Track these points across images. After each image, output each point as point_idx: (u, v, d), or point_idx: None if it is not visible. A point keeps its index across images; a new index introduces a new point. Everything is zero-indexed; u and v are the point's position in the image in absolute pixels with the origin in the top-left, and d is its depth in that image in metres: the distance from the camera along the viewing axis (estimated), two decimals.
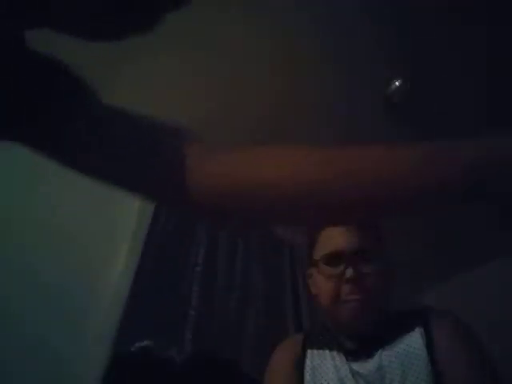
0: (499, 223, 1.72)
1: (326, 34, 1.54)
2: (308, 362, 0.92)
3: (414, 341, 0.84)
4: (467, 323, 0.86)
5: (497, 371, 0.77)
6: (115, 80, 1.57)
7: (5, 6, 0.32)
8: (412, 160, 0.39)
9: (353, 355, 0.88)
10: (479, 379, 0.76)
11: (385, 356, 0.84)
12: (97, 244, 1.49)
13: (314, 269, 0.96)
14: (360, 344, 0.88)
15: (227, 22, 1.49)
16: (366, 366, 0.85)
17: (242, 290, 1.75)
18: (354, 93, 1.72)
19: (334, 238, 0.92)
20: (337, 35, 1.54)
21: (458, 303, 1.54)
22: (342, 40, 1.56)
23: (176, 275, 1.61)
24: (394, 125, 1.78)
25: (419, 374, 0.79)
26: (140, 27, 0.37)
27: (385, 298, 0.91)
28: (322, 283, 0.92)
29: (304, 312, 1.84)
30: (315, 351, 0.93)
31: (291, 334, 1.68)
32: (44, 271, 1.31)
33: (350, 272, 0.87)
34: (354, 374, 0.85)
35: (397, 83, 1.67)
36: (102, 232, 1.53)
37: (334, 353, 0.91)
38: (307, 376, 0.89)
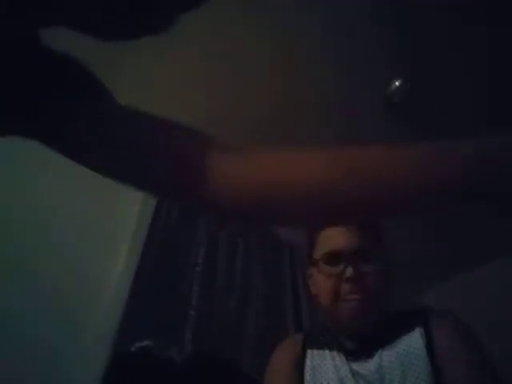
0: (499, 222, 1.72)
1: (325, 34, 1.54)
2: (308, 361, 0.92)
3: (413, 341, 0.84)
4: (467, 323, 0.86)
5: (497, 371, 0.77)
6: (115, 80, 1.57)
7: (16, 4, 0.32)
8: (412, 160, 0.39)
9: (353, 355, 0.88)
10: (479, 379, 0.76)
11: (385, 356, 0.84)
12: (97, 244, 1.49)
13: (314, 268, 0.96)
14: (360, 344, 0.88)
15: (227, 22, 1.49)
16: (366, 366, 0.84)
17: (242, 290, 1.75)
18: (354, 93, 1.72)
19: (334, 238, 0.92)
20: (337, 35, 1.54)
21: (458, 303, 1.54)
22: (342, 40, 1.56)
23: (176, 275, 1.61)
24: (393, 125, 1.78)
25: (419, 374, 0.79)
26: (154, 27, 0.37)
27: (385, 297, 0.91)
28: (321, 282, 0.92)
29: (304, 312, 1.85)
30: (315, 351, 0.93)
31: (291, 333, 1.68)
32: (44, 271, 1.31)
33: (349, 271, 0.87)
34: (354, 373, 0.85)
35: (397, 83, 1.67)
36: (101, 232, 1.53)
37: (334, 353, 0.91)
38: (307, 376, 0.89)
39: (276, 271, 1.94)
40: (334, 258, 0.91)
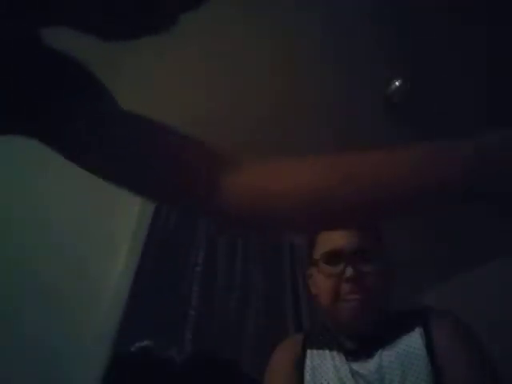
0: (499, 222, 1.72)
1: (325, 34, 1.54)
2: (308, 361, 0.92)
3: (413, 341, 0.84)
4: (467, 323, 0.86)
5: (497, 371, 0.77)
6: (115, 80, 1.57)
7: (16, 4, 0.33)
8: (411, 161, 0.39)
9: (353, 355, 0.88)
10: (479, 379, 0.76)
11: (385, 356, 0.84)
12: (97, 244, 1.49)
13: (314, 268, 0.96)
14: (360, 344, 0.88)
15: (227, 22, 1.49)
16: (366, 366, 0.84)
17: (242, 290, 1.75)
18: (354, 93, 1.72)
19: (334, 238, 0.92)
20: (337, 35, 1.54)
21: (458, 303, 1.54)
22: (342, 40, 1.56)
23: (176, 275, 1.61)
24: (394, 125, 1.78)
25: (419, 374, 0.79)
26: (155, 27, 0.37)
27: (385, 297, 0.91)
28: (321, 282, 0.92)
29: (304, 312, 1.84)
30: (315, 351, 0.93)
31: (291, 333, 1.68)
32: (44, 271, 1.31)
33: (349, 271, 0.87)
34: (354, 373, 0.85)
35: (397, 83, 1.67)
36: (102, 232, 1.53)
37: (334, 353, 0.91)
38: (307, 376, 0.89)
39: (276, 271, 1.94)
40: (334, 257, 0.91)
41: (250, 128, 1.80)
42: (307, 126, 1.80)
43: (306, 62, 1.62)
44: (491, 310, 1.94)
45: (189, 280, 1.62)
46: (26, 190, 1.38)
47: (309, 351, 0.94)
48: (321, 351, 0.93)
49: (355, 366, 0.86)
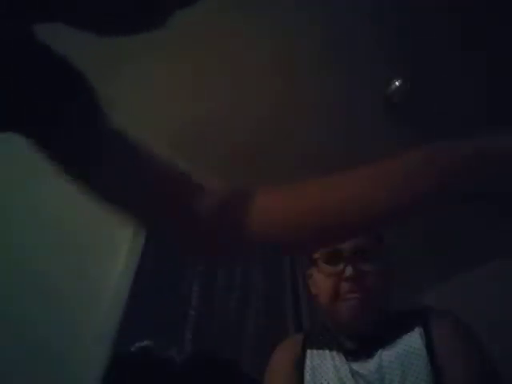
0: (499, 222, 1.72)
1: (325, 34, 1.54)
2: (308, 361, 0.92)
3: (413, 341, 0.84)
4: (467, 323, 0.86)
5: (497, 371, 0.77)
6: (115, 80, 1.57)
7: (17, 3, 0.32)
8: (411, 164, 0.40)
9: (353, 355, 0.88)
10: (479, 379, 0.76)
11: (385, 356, 0.84)
12: (97, 244, 1.49)
13: (314, 268, 0.96)
14: (360, 344, 0.88)
15: (227, 21, 1.49)
16: (366, 366, 0.84)
17: (242, 290, 1.75)
18: (354, 93, 1.72)
19: None
20: (337, 35, 1.54)
21: (458, 303, 1.54)
22: (342, 40, 1.56)
23: (176, 275, 1.61)
24: (394, 125, 1.78)
25: (419, 373, 0.79)
26: (150, 23, 0.37)
27: (385, 297, 0.91)
28: (321, 282, 0.92)
29: (304, 312, 1.84)
30: (315, 351, 0.93)
31: (291, 334, 1.68)
32: (44, 271, 1.31)
33: (349, 270, 0.87)
34: (354, 373, 0.85)
35: (397, 83, 1.67)
36: (101, 232, 1.53)
37: (334, 353, 0.91)
38: (307, 376, 0.89)
39: (276, 271, 1.94)
40: (333, 257, 0.91)
41: (250, 128, 1.80)
42: (307, 126, 1.80)
43: (306, 62, 1.62)
44: (491, 309, 1.93)
45: (189, 280, 1.62)
46: (26, 190, 1.38)
47: (309, 351, 0.94)
48: (321, 351, 0.93)
49: (355, 365, 0.86)
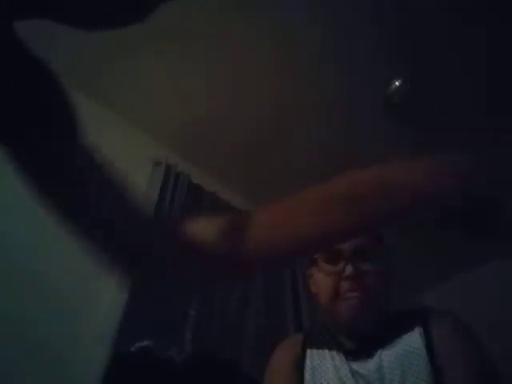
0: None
1: (325, 34, 1.54)
2: (308, 361, 0.92)
3: (413, 341, 0.84)
4: (467, 323, 0.86)
5: (497, 371, 0.77)
6: (115, 80, 1.57)
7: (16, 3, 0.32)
8: (411, 171, 0.41)
9: (353, 355, 0.88)
10: (479, 379, 0.76)
11: (385, 356, 0.84)
12: None
13: (315, 268, 0.96)
14: (360, 344, 0.88)
15: (227, 22, 1.49)
16: (366, 366, 0.84)
17: (242, 290, 1.75)
18: (354, 93, 1.72)
19: None
20: (337, 35, 1.54)
21: (458, 303, 1.54)
22: (342, 40, 1.56)
23: None
24: (393, 125, 1.78)
25: (419, 373, 0.79)
26: (134, 16, 0.37)
27: (385, 297, 0.91)
28: (321, 281, 0.92)
29: (304, 312, 1.84)
30: (315, 351, 0.93)
31: (291, 333, 1.68)
32: (44, 271, 1.31)
33: (349, 269, 0.87)
34: (354, 373, 0.85)
35: (397, 83, 1.67)
36: None
37: (334, 352, 0.91)
38: (307, 376, 0.89)
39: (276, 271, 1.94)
40: (333, 256, 0.91)
41: (250, 128, 1.80)
42: (307, 125, 1.80)
43: (306, 62, 1.62)
44: (491, 310, 1.94)
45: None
46: (27, 191, 1.38)
47: (309, 351, 0.94)
48: (321, 351, 0.93)
49: (355, 365, 0.86)
